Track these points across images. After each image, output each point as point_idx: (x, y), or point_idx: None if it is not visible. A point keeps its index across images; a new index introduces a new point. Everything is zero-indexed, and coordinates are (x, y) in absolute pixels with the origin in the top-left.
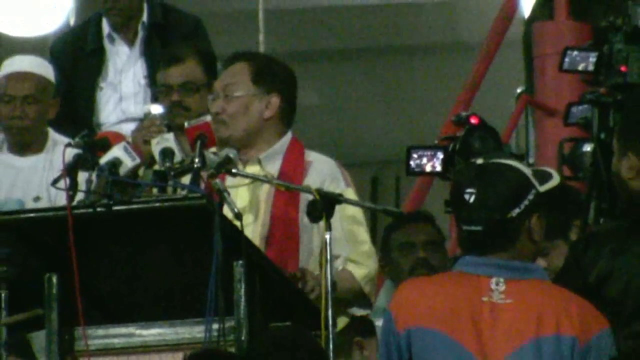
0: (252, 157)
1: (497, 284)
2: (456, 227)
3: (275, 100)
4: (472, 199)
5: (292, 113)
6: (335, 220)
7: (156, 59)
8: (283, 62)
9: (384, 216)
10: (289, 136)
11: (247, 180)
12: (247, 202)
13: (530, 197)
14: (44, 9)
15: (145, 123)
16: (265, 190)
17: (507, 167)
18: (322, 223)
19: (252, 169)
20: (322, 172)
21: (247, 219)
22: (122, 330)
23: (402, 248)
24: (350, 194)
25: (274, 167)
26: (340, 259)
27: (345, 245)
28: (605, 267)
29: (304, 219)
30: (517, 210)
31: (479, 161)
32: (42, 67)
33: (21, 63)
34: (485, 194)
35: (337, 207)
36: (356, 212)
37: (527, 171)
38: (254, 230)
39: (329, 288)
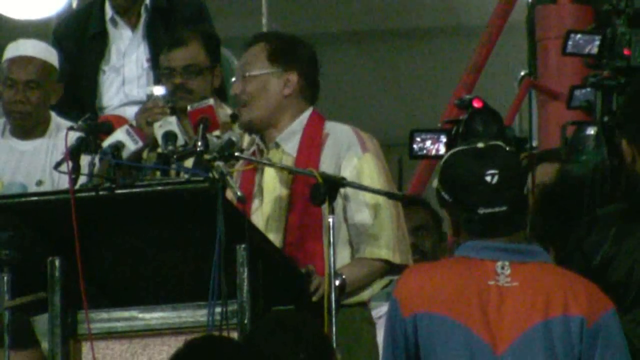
0: (272, 140)
1: (502, 268)
2: (463, 213)
3: (293, 77)
4: (495, 180)
5: (314, 90)
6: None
7: (159, 42)
8: (304, 41)
9: None
10: (307, 112)
11: (251, 166)
12: (276, 185)
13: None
14: None
15: (149, 105)
16: (278, 172)
17: (505, 148)
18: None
19: (273, 152)
20: (337, 143)
21: (258, 202)
22: (125, 313)
23: None
24: (368, 159)
25: (292, 146)
26: (360, 229)
27: (368, 211)
28: (609, 250)
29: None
30: (526, 188)
31: (480, 144)
32: (45, 52)
33: (24, 47)
34: (507, 172)
35: (357, 167)
36: (373, 174)
37: None
38: (263, 212)
39: (332, 273)
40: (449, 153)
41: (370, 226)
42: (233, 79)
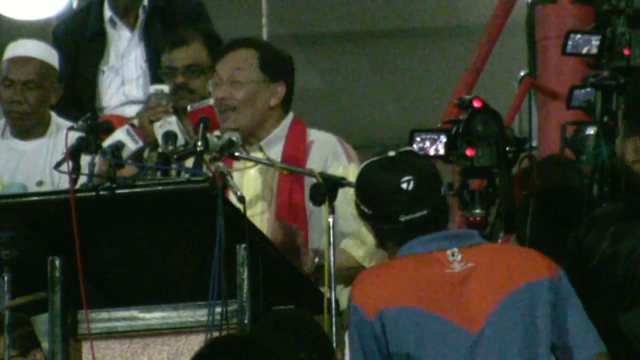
0: (254, 144)
1: (453, 255)
2: (385, 223)
3: (281, 89)
4: (411, 186)
5: (291, 99)
6: (341, 198)
7: (157, 42)
8: (282, 49)
9: None
10: (289, 119)
11: (250, 165)
12: (257, 189)
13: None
14: None
15: (152, 103)
16: (273, 176)
17: (416, 152)
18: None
19: (255, 156)
20: (324, 151)
21: (259, 206)
22: (125, 313)
23: None
24: (353, 169)
25: (276, 152)
26: (347, 236)
27: (353, 222)
28: (607, 250)
29: (310, 202)
30: (443, 188)
31: (391, 153)
32: (45, 53)
33: (24, 47)
34: (422, 177)
35: (342, 175)
36: None
37: None
38: (263, 218)
39: (332, 271)
40: (363, 165)
41: (356, 231)
42: (211, 81)
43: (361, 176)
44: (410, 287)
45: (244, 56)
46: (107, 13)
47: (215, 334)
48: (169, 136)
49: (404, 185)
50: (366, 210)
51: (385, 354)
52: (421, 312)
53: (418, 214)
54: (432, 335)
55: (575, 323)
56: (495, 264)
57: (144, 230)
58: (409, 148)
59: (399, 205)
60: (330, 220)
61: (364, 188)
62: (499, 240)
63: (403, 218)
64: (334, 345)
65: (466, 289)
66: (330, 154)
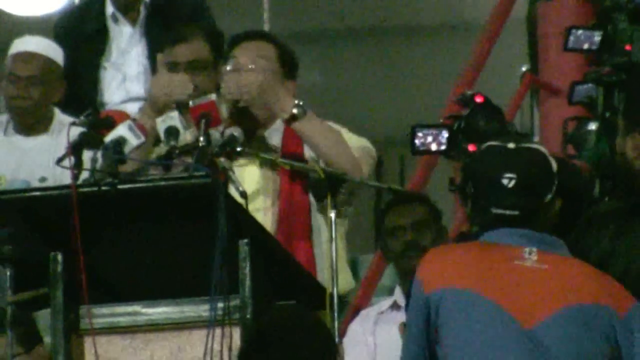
0: (257, 135)
1: (530, 254)
2: (479, 207)
3: (292, 85)
4: (511, 184)
5: None
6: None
7: (158, 39)
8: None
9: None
10: None
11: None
12: (260, 184)
13: (556, 181)
14: None
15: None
16: (275, 170)
17: (538, 152)
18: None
19: (256, 147)
20: None
21: (261, 201)
22: (128, 308)
23: (392, 231)
24: (345, 132)
25: (277, 140)
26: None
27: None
28: (606, 247)
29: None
30: (550, 196)
31: (511, 145)
32: (49, 49)
33: (28, 43)
34: (526, 179)
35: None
36: (350, 135)
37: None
38: (266, 213)
39: (335, 267)
40: (485, 144)
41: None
42: (228, 67)
43: (475, 156)
44: (475, 272)
45: (263, 47)
46: (109, 8)
47: (218, 329)
48: (171, 132)
49: (504, 181)
50: (469, 188)
51: (434, 332)
52: (478, 297)
53: (508, 213)
54: (484, 322)
55: None
56: (566, 274)
57: (146, 225)
58: (532, 145)
59: (493, 198)
60: (332, 215)
61: (473, 168)
62: None
63: (494, 210)
64: (336, 340)
65: (531, 285)
66: None
